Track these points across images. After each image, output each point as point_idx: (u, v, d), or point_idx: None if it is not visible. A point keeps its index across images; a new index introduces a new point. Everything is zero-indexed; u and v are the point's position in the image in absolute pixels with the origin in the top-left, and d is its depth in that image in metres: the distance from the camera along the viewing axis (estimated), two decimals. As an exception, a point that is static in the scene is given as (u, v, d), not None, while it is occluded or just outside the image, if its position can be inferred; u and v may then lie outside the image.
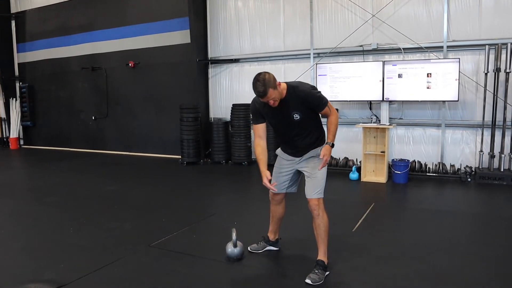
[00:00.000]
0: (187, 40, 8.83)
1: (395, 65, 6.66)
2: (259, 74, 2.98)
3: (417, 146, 7.09)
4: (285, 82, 3.16)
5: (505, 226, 4.41)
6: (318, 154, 3.25)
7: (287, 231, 4.05)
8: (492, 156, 6.39)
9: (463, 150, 6.80)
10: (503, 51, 6.16)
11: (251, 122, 8.15)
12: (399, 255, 3.63)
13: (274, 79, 2.98)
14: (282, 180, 3.46)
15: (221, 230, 4.26)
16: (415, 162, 6.89)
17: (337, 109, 7.32)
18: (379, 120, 6.93)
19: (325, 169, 3.28)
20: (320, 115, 3.31)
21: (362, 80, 6.89)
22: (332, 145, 3.16)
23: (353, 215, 4.76)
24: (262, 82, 2.92)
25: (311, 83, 7.45)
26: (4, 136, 12.35)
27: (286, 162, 3.43)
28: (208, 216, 4.95)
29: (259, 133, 3.34)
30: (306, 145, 3.28)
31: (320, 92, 3.20)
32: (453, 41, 6.65)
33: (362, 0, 7.24)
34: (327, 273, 3.20)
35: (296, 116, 3.13)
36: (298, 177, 3.51)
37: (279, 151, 3.51)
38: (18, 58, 12.20)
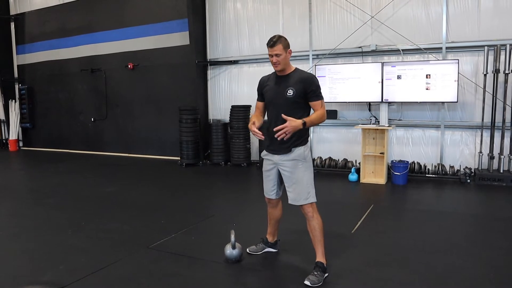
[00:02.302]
0: (186, 41, 8.84)
1: (394, 66, 6.67)
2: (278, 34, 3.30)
3: (417, 147, 7.09)
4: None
5: (504, 227, 4.40)
6: (302, 157, 3.22)
7: (285, 233, 4.05)
8: (491, 157, 6.39)
9: (462, 151, 6.80)
10: (502, 52, 6.17)
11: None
12: (398, 257, 3.62)
13: (288, 45, 3.24)
14: (270, 185, 3.46)
15: (220, 231, 4.25)
16: (415, 163, 6.89)
17: (334, 112, 7.40)
18: (378, 121, 6.93)
19: (310, 172, 3.27)
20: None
21: (361, 81, 6.89)
22: (304, 124, 3.02)
23: (352, 217, 4.76)
24: (277, 36, 3.22)
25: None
26: (3, 138, 12.34)
27: (269, 163, 3.39)
28: (207, 218, 4.94)
29: (259, 108, 3.47)
30: (288, 138, 3.17)
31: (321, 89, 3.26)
32: (452, 42, 6.66)
33: (361, 1, 7.25)
34: (326, 274, 3.19)
35: (290, 92, 3.17)
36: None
37: (263, 152, 3.47)
38: (18, 59, 12.21)
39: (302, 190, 3.21)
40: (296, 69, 3.31)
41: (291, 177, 3.25)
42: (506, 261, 3.49)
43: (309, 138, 3.37)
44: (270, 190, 3.49)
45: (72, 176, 7.89)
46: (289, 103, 3.19)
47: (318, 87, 3.22)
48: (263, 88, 3.41)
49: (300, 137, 3.24)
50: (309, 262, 3.31)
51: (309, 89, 3.17)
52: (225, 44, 8.83)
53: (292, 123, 2.96)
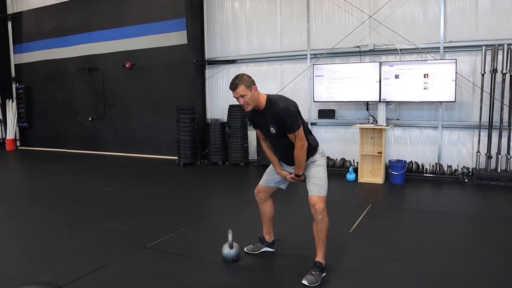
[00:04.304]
0: (184, 41, 8.82)
1: (392, 66, 6.66)
2: (240, 73, 3.22)
3: (414, 147, 7.09)
4: (267, 95, 3.23)
5: (502, 227, 4.41)
6: (314, 160, 3.29)
7: (283, 232, 4.04)
8: (489, 157, 6.39)
9: (460, 151, 6.81)
10: (500, 52, 6.17)
11: (248, 124, 8.16)
12: (396, 257, 3.62)
13: (252, 82, 3.13)
14: (271, 176, 3.52)
15: (218, 231, 4.24)
16: (412, 163, 6.89)
17: (331, 112, 7.39)
18: (376, 121, 6.93)
19: (325, 170, 3.31)
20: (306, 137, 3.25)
21: (359, 81, 6.88)
22: (298, 175, 3.25)
23: (350, 216, 4.75)
24: (237, 77, 3.13)
25: (308, 84, 7.51)
26: (1, 137, 12.30)
27: (284, 165, 3.48)
28: (204, 217, 4.93)
29: (261, 136, 3.47)
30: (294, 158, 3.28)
31: (296, 115, 3.13)
32: (450, 42, 6.66)
33: (359, 1, 7.24)
34: (324, 274, 3.19)
35: (273, 130, 3.19)
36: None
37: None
38: (15, 59, 12.16)
39: (314, 184, 3.24)
40: (267, 100, 3.18)
41: (307, 176, 3.31)
42: (504, 261, 3.49)
43: (318, 145, 3.38)
44: (268, 180, 3.54)
45: (70, 176, 7.86)
46: (276, 136, 3.24)
47: (291, 120, 3.10)
48: (254, 119, 3.37)
49: (309, 152, 3.26)
50: (307, 261, 3.31)
51: (283, 127, 3.14)
52: (223, 43, 8.82)
53: (295, 178, 3.29)
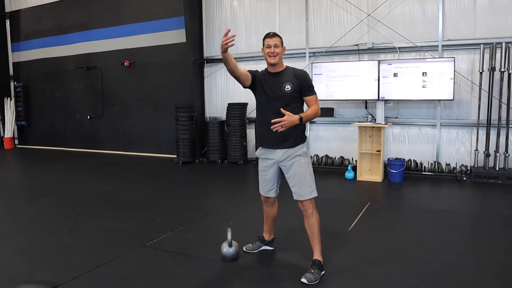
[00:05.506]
0: (183, 39, 8.81)
1: (391, 64, 6.67)
2: None
3: (413, 145, 7.10)
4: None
5: (500, 225, 4.41)
6: (303, 152, 3.25)
7: (282, 231, 4.05)
8: (487, 155, 6.41)
9: (458, 149, 6.82)
10: (498, 50, 6.18)
11: (247, 121, 8.13)
12: (395, 255, 3.63)
13: (283, 42, 3.34)
14: (269, 183, 3.44)
15: (217, 229, 4.24)
16: (411, 161, 6.90)
17: (330, 110, 7.39)
18: (375, 119, 6.93)
19: (310, 166, 3.29)
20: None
21: (358, 79, 6.89)
22: (300, 119, 3.07)
23: (348, 215, 4.76)
24: (274, 31, 3.35)
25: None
26: (-1, 135, 12.31)
27: (268, 163, 3.37)
28: (203, 216, 4.93)
29: (244, 71, 3.45)
30: (287, 133, 3.17)
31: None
32: (448, 40, 6.67)
33: (358, -1, 7.26)
34: (323, 272, 3.20)
35: (288, 88, 3.21)
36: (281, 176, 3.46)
37: (258, 151, 3.45)
38: (13, 57, 12.14)
39: (306, 185, 3.22)
40: (288, 66, 3.37)
41: (295, 173, 3.24)
42: (503, 259, 3.50)
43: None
44: (269, 188, 3.46)
45: (68, 174, 7.86)
46: (288, 98, 3.21)
47: (311, 82, 3.31)
48: (256, 78, 3.40)
49: (300, 133, 3.27)
50: (306, 260, 3.31)
51: (303, 84, 3.22)
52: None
53: (290, 117, 2.99)
